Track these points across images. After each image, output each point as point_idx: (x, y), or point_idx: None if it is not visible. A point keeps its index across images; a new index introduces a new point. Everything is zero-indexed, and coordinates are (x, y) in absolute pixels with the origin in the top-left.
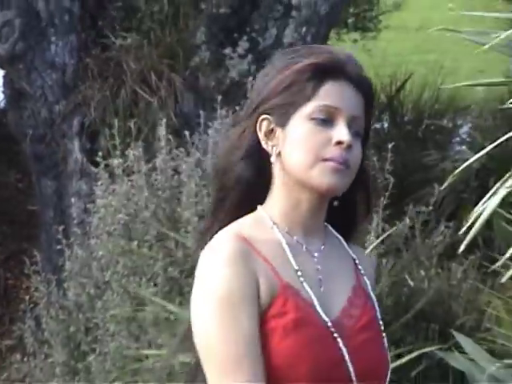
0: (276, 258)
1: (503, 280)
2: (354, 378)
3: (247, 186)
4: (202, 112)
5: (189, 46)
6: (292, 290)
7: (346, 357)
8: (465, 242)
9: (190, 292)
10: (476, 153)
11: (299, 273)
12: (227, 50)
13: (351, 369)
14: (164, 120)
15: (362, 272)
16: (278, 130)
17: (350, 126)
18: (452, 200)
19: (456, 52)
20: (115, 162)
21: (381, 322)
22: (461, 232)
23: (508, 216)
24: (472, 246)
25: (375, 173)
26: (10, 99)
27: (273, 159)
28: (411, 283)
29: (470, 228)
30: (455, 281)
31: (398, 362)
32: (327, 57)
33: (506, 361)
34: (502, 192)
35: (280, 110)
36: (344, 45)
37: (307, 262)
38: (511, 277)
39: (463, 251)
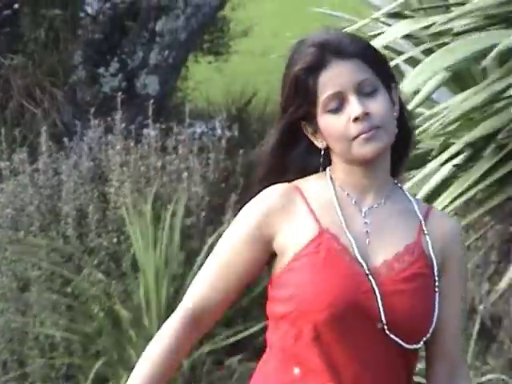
0: (323, 207)
1: None
2: (384, 322)
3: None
4: (78, 122)
5: (68, 65)
6: (330, 234)
7: (379, 297)
8: None
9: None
10: None
11: (342, 220)
12: (101, 70)
13: (382, 313)
14: (45, 128)
15: (426, 232)
16: (317, 130)
17: (360, 92)
18: None
19: None
20: (2, 164)
21: (436, 282)
22: None
23: None
24: None
25: (228, 174)
26: None
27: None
28: None
29: None
30: None
31: (247, 333)
32: (311, 54)
33: None
34: None
35: (306, 116)
36: (200, 66)
37: (355, 215)
38: None
39: None
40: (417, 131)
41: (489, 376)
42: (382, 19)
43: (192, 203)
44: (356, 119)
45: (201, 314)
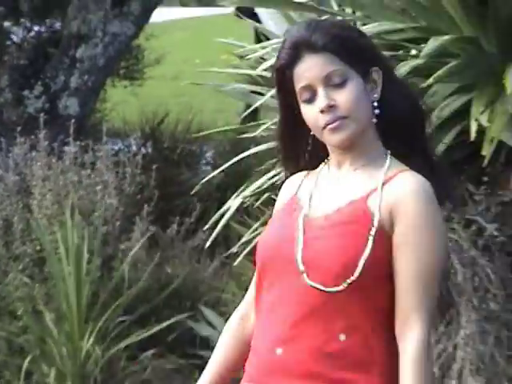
0: (309, 182)
1: (235, 264)
2: (301, 268)
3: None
4: (4, 139)
5: None
6: (297, 198)
7: (300, 245)
8: (210, 240)
9: None
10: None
11: (310, 188)
12: (25, 92)
13: (299, 259)
14: None
15: (375, 191)
16: None
17: (328, 85)
18: (199, 207)
19: (203, 95)
20: None
21: (371, 230)
22: (205, 228)
23: (240, 219)
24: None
25: (142, 187)
26: None
27: None
28: (169, 270)
29: (213, 229)
30: (203, 269)
31: (158, 328)
32: (285, 51)
33: None
34: (237, 201)
35: (295, 106)
36: (117, 89)
37: (323, 184)
38: (241, 263)
39: (210, 246)
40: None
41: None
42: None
43: (108, 213)
44: (322, 112)
45: (246, 315)
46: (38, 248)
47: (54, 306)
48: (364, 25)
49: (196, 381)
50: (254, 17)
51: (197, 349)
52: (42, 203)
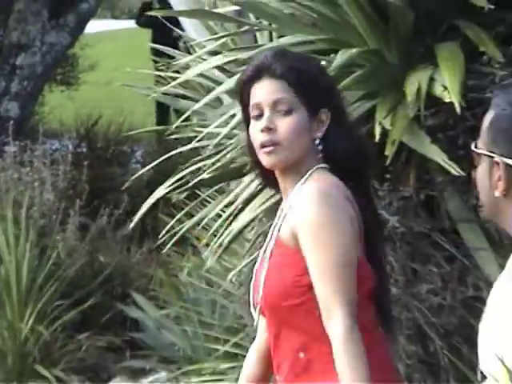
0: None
1: (163, 252)
2: (254, 302)
3: None
4: None
5: None
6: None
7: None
8: (131, 226)
9: None
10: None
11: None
12: None
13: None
14: None
15: (281, 218)
16: None
17: (274, 109)
18: (129, 202)
19: (133, 100)
20: None
21: (268, 253)
22: (133, 224)
23: (168, 212)
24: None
25: (75, 183)
26: None
27: None
28: (101, 258)
29: (143, 221)
30: (134, 257)
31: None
32: (249, 69)
33: (165, 311)
34: (162, 192)
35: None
36: (54, 94)
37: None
38: (168, 252)
39: (139, 236)
40: (231, 148)
41: None
42: (204, 56)
43: (44, 208)
44: (262, 131)
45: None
46: None
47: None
48: (279, 36)
49: (126, 359)
50: (178, 25)
51: (127, 330)
52: None
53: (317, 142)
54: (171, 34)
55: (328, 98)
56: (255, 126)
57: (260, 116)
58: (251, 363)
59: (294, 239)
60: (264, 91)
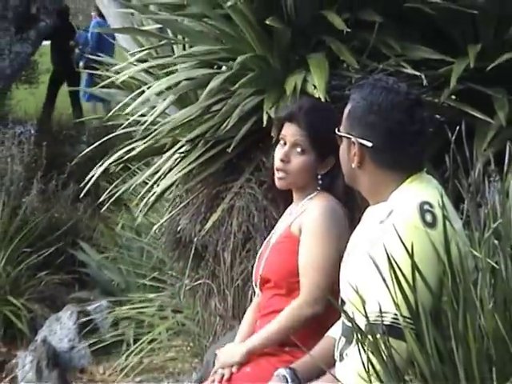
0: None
1: (103, 210)
2: (255, 281)
3: None
4: None
5: None
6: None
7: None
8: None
9: None
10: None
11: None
12: None
13: (254, 275)
14: None
15: (294, 217)
16: None
17: (293, 147)
18: (78, 172)
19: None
20: None
21: (275, 240)
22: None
23: (108, 179)
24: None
25: (36, 158)
26: None
27: None
28: (56, 215)
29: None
30: (81, 214)
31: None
32: (287, 110)
33: (105, 255)
34: (104, 166)
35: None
36: (19, 91)
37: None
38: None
39: (86, 199)
40: (156, 132)
41: (199, 281)
42: (135, 63)
43: (14, 177)
44: (280, 159)
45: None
46: None
47: None
48: (191, 47)
49: (73, 289)
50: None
51: (76, 269)
52: None
53: (319, 176)
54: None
55: (336, 149)
56: (279, 152)
57: (283, 146)
58: (247, 325)
59: (299, 234)
60: (290, 131)
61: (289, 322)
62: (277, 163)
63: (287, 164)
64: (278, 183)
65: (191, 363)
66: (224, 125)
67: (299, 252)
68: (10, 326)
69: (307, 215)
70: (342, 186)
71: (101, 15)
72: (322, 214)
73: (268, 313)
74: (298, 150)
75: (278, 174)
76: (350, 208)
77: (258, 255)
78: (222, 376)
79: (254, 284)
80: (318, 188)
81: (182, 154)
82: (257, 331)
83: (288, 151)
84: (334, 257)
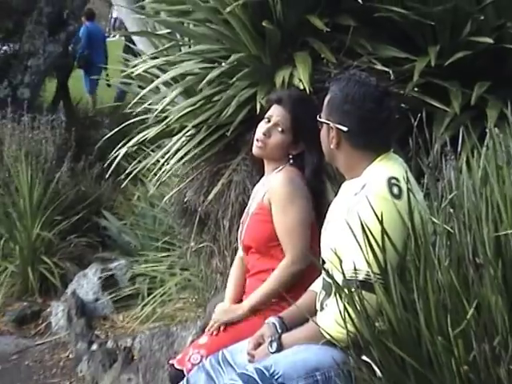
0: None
1: (123, 185)
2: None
3: None
4: None
5: None
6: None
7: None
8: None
9: None
10: None
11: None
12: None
13: (238, 241)
14: None
15: (265, 189)
16: None
17: (275, 125)
18: (101, 153)
19: (105, 88)
20: None
21: (252, 211)
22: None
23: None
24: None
25: (67, 141)
26: None
27: None
28: (83, 188)
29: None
30: (104, 188)
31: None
32: (277, 94)
33: (124, 222)
34: (123, 149)
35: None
36: (51, 84)
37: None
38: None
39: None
40: (168, 119)
41: (203, 244)
42: (148, 60)
43: (48, 156)
44: (262, 132)
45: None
46: (7, 175)
47: (18, 209)
48: (197, 43)
49: (97, 250)
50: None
51: (100, 232)
52: (10, 149)
53: (290, 156)
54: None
55: (310, 134)
56: (262, 126)
57: (268, 122)
58: (232, 284)
59: (269, 205)
60: (276, 112)
61: (280, 279)
62: (258, 135)
63: (267, 138)
64: (255, 151)
65: (196, 312)
66: (223, 112)
67: (274, 220)
68: (45, 281)
69: (271, 187)
70: (311, 170)
71: (89, 20)
72: (282, 183)
73: (254, 273)
74: (279, 129)
75: (257, 144)
76: (320, 191)
77: (241, 221)
78: (218, 329)
79: (239, 247)
80: (288, 160)
81: (188, 137)
82: (246, 289)
83: (270, 127)
84: (305, 218)
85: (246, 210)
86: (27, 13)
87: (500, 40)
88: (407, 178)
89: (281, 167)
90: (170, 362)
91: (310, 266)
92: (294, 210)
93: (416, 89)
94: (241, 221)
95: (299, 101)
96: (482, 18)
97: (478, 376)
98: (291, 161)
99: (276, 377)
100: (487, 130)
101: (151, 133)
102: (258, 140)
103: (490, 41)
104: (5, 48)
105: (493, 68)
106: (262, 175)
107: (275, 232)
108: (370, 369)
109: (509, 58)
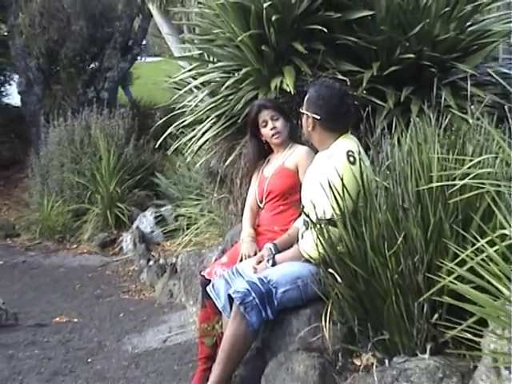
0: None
1: (169, 155)
2: (259, 199)
3: None
4: (80, 108)
5: None
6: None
7: (266, 184)
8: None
9: None
10: None
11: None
12: (88, 90)
13: (265, 189)
14: None
15: (287, 157)
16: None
17: (273, 120)
18: (155, 134)
19: (159, 92)
20: None
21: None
22: (158, 143)
23: (172, 137)
24: (161, 146)
25: (132, 126)
26: None
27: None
28: (143, 157)
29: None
30: (157, 157)
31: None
32: (256, 107)
33: (169, 180)
34: (169, 130)
35: (256, 131)
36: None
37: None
38: (171, 154)
39: (158, 147)
40: (198, 111)
41: (222, 195)
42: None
43: (120, 135)
44: (271, 129)
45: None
46: (93, 149)
47: (100, 172)
48: (218, 61)
49: (152, 199)
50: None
51: (154, 187)
52: (95, 132)
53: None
54: None
55: (288, 115)
56: (267, 129)
57: (266, 125)
58: (249, 220)
59: (295, 167)
60: (266, 112)
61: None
62: (271, 132)
63: (276, 128)
64: (277, 141)
65: (218, 241)
66: (235, 107)
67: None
68: (118, 219)
69: (299, 155)
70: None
71: None
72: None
73: (272, 230)
74: (275, 118)
75: (276, 136)
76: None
77: (257, 184)
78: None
79: (258, 202)
80: (290, 140)
81: (212, 124)
82: (260, 222)
83: (271, 123)
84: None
85: (258, 176)
86: (107, 41)
87: (419, 59)
88: (359, 151)
89: (290, 145)
90: (201, 273)
91: (294, 210)
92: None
93: (364, 91)
94: (257, 182)
95: (268, 101)
96: (408, 44)
97: (404, 282)
98: (289, 135)
99: (271, 283)
100: (411, 120)
101: (187, 120)
102: (274, 135)
103: (413, 56)
104: (92, 65)
105: (414, 77)
106: (260, 151)
107: (294, 184)
108: (333, 277)
109: (425, 71)
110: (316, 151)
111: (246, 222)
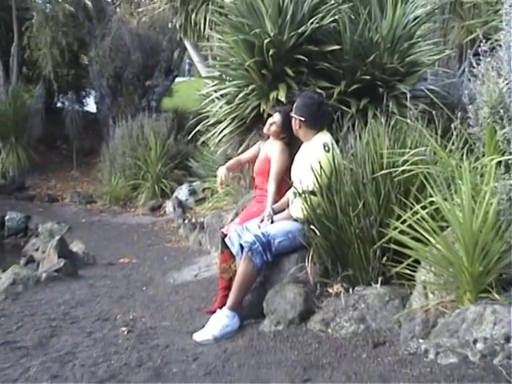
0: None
1: (197, 145)
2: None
3: None
4: (135, 114)
5: None
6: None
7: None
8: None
9: None
10: None
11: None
12: (142, 100)
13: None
14: None
15: (268, 149)
16: None
17: (274, 122)
18: (189, 130)
19: (191, 102)
20: None
21: (261, 157)
22: (190, 136)
23: (201, 129)
24: (192, 139)
25: (173, 125)
26: None
27: None
28: (180, 147)
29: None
30: (190, 147)
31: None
32: (277, 108)
33: (198, 163)
34: (198, 127)
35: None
36: (165, 99)
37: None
38: (200, 144)
39: (191, 140)
40: (218, 115)
41: (236, 174)
42: (210, 87)
43: (162, 132)
44: (270, 123)
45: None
46: (146, 142)
47: (150, 158)
48: (233, 80)
49: (187, 177)
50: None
51: (188, 168)
52: (146, 130)
53: (281, 136)
54: None
55: (289, 124)
56: (270, 120)
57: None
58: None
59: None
60: (276, 114)
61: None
62: (269, 122)
63: (274, 124)
64: (270, 131)
65: (232, 206)
66: (244, 112)
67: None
68: (163, 191)
69: (271, 149)
70: (288, 139)
71: None
72: (278, 148)
73: (262, 200)
74: (276, 120)
75: (271, 127)
76: (294, 145)
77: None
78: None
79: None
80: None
81: (228, 124)
82: (254, 211)
83: (274, 120)
84: (283, 167)
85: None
86: (155, 67)
87: (373, 79)
88: (332, 142)
89: (276, 141)
90: (221, 229)
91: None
92: (278, 159)
93: (335, 101)
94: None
95: (285, 113)
96: (365, 69)
97: (363, 234)
98: (282, 136)
99: (270, 236)
100: (368, 121)
101: (211, 121)
102: (271, 124)
103: (369, 77)
104: (147, 83)
105: (370, 92)
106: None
107: (269, 169)
108: (313, 231)
109: (377, 88)
110: (301, 143)
111: (229, 162)
